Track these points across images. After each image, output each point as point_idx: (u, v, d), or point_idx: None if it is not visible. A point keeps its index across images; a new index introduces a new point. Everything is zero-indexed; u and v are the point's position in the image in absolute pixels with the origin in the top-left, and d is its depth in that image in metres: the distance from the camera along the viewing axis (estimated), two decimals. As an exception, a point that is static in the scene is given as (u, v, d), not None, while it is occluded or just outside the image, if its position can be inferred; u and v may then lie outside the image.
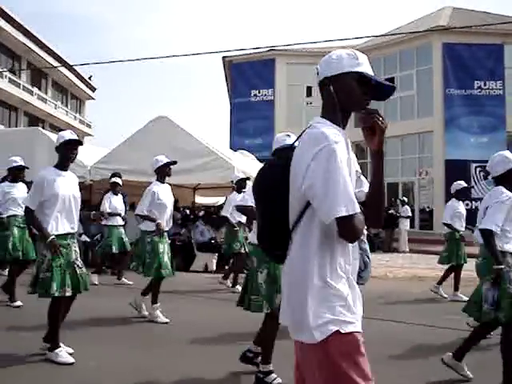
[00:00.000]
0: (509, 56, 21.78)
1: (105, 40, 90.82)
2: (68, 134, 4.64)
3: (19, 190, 7.02)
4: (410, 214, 18.29)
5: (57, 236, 4.37)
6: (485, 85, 21.75)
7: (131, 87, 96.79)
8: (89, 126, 45.12)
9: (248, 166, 12.32)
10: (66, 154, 4.58)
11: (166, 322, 6.05)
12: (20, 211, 6.83)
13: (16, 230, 6.93)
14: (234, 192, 8.75)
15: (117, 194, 9.48)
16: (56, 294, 4.28)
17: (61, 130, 36.34)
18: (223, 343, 5.24)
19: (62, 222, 4.46)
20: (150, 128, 11.46)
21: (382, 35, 21.64)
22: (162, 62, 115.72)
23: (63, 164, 4.64)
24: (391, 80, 24.02)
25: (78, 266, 4.45)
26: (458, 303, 7.80)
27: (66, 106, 41.49)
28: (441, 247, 17.67)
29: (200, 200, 15.45)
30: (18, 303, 6.72)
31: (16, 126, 31.59)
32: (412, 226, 20.32)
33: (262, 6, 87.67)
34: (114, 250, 9.18)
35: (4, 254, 6.85)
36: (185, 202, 14.20)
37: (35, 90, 34.58)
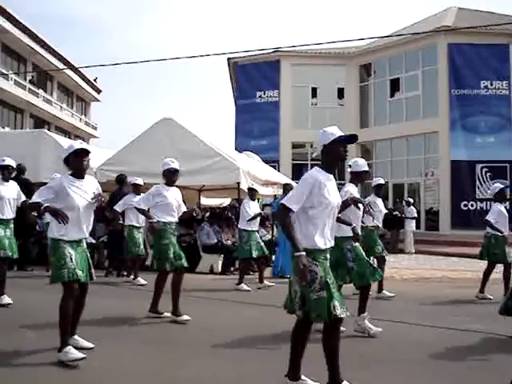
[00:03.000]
0: (515, 56, 21.71)
1: (107, 41, 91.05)
2: (337, 130, 3.93)
3: (173, 194, 6.50)
4: (415, 215, 18.22)
5: (319, 251, 3.68)
6: (491, 85, 21.67)
7: (136, 89, 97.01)
8: (94, 127, 45.21)
9: (253, 167, 12.31)
10: (338, 153, 3.89)
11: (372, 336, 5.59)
12: (174, 218, 6.48)
13: (173, 239, 6.45)
14: (373, 194, 8.42)
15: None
16: (342, 316, 3.61)
17: (66, 132, 36.37)
18: (230, 345, 5.23)
19: (327, 234, 3.76)
20: (155, 130, 11.47)
21: (387, 36, 21.60)
22: (166, 63, 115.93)
23: (332, 165, 3.97)
24: (396, 81, 24.03)
25: (332, 283, 3.72)
26: (465, 304, 7.78)
27: (72, 107, 41.59)
28: (447, 248, 17.68)
29: (205, 201, 15.44)
30: (186, 317, 6.15)
31: (22, 128, 31.68)
32: (418, 226, 20.27)
33: (267, 7, 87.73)
34: (254, 255, 9.18)
35: (164, 265, 6.31)
36: (190, 204, 14.20)
37: (41, 92, 34.70)
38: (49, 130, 23.50)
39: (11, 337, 5.28)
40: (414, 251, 17.41)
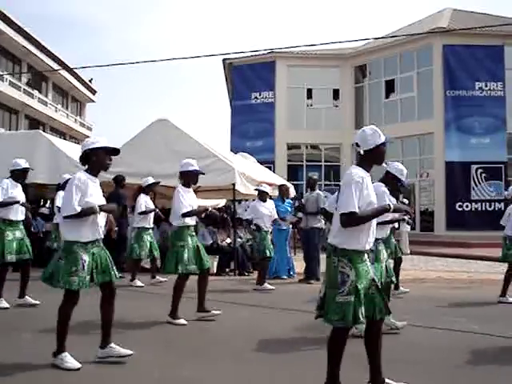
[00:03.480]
0: (509, 57, 21.74)
1: (102, 42, 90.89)
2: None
3: (192, 196, 6.55)
4: (410, 216, 18.21)
5: (357, 252, 3.57)
6: (486, 86, 21.73)
7: (131, 89, 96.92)
8: (89, 128, 45.09)
9: (248, 168, 12.31)
10: (383, 155, 3.80)
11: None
12: (193, 220, 6.45)
13: (190, 240, 6.34)
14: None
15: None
16: (362, 325, 3.57)
17: (61, 133, 36.24)
18: (225, 345, 5.22)
19: (370, 235, 3.66)
20: (150, 130, 11.47)
21: (383, 37, 21.64)
22: (161, 64, 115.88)
23: (372, 166, 3.81)
24: (391, 82, 24.06)
25: (377, 287, 3.63)
26: (460, 305, 7.79)
27: (67, 108, 41.49)
28: (442, 249, 17.70)
29: (200, 202, 15.38)
30: (182, 321, 6.10)
31: (17, 129, 31.56)
32: (413, 227, 20.30)
33: (262, 8, 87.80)
34: (268, 254, 9.14)
35: (176, 267, 6.18)
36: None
37: (36, 92, 34.62)
38: (44, 130, 23.45)
39: (8, 338, 5.26)
40: (409, 252, 17.42)
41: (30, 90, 33.65)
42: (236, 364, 4.58)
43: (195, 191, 14.67)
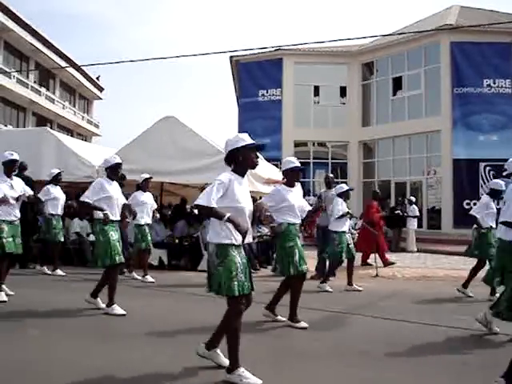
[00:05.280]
0: (517, 54, 21.64)
1: (109, 39, 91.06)
2: None
3: (296, 195, 6.11)
4: (417, 214, 18.17)
5: None
6: (494, 83, 21.62)
7: (138, 87, 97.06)
8: (96, 126, 45.24)
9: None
10: None
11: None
12: (298, 219, 6.05)
13: (298, 241, 6.02)
14: (486, 195, 8.48)
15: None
16: None
17: (69, 130, 36.37)
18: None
19: None
20: (157, 128, 11.48)
21: (390, 34, 21.56)
22: (168, 61, 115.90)
23: None
24: (399, 79, 23.97)
25: None
26: (467, 303, 7.77)
27: (74, 106, 41.61)
28: (449, 247, 17.65)
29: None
30: (303, 324, 5.92)
31: (24, 126, 31.73)
32: (420, 225, 20.23)
33: (269, 5, 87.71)
34: (344, 257, 8.89)
35: (288, 269, 5.87)
36: (192, 202, 14.17)
37: (43, 90, 34.73)
38: (51, 128, 23.57)
39: (14, 334, 5.28)
40: (416, 250, 17.39)
41: (37, 87, 33.77)
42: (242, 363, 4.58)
43: (203, 188, 14.65)
